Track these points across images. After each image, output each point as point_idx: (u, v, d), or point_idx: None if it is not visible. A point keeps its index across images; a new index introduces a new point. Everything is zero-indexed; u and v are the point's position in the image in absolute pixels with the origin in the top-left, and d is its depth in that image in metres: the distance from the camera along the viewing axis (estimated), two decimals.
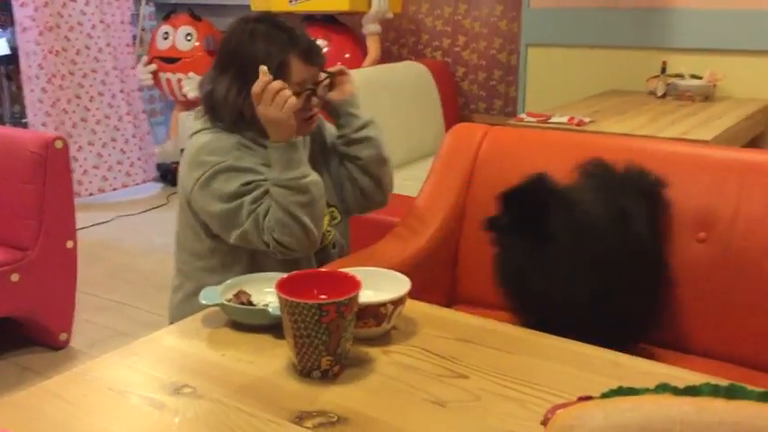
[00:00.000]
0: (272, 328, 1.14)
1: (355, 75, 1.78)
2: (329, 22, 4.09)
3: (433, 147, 2.42)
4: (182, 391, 0.99)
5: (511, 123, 2.72)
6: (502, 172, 1.73)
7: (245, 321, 1.18)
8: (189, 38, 4.53)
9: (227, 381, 1.01)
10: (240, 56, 1.58)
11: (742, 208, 1.53)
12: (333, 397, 0.97)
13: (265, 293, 1.22)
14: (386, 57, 4.11)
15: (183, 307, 1.66)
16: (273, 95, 1.49)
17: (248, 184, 1.54)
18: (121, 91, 4.47)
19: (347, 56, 3.94)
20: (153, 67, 4.61)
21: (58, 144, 2.46)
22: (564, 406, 0.77)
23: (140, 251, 3.66)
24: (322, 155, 1.76)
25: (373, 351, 1.10)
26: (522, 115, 2.81)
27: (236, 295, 1.20)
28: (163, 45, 4.59)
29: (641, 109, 2.89)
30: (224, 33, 1.66)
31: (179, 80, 4.54)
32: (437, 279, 1.81)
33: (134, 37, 4.69)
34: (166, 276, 1.97)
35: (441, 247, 1.81)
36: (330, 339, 0.99)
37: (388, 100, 3.34)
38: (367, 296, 1.09)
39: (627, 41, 3.44)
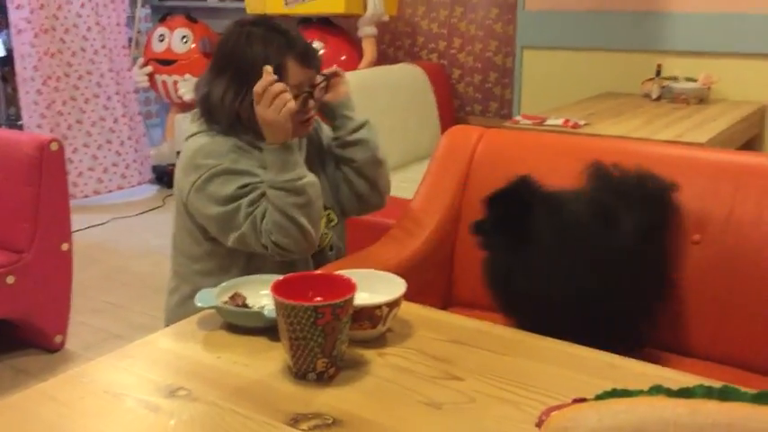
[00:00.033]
0: (268, 330, 1.14)
1: (351, 77, 1.78)
2: (325, 24, 4.10)
3: (429, 149, 2.42)
4: (177, 393, 0.99)
5: (506, 126, 2.72)
6: (497, 174, 1.71)
7: (241, 324, 1.18)
8: (185, 40, 4.53)
9: (223, 383, 1.01)
10: (237, 59, 1.58)
11: (736, 210, 1.53)
12: (328, 399, 0.97)
13: (261, 296, 1.22)
14: (382, 59, 4.12)
15: (179, 310, 1.66)
16: (273, 97, 1.50)
17: (245, 186, 1.54)
18: (117, 93, 4.46)
19: (343, 58, 3.94)
20: (149, 69, 4.60)
21: (54, 146, 2.45)
22: (558, 408, 0.77)
23: (136, 253, 3.66)
24: (318, 157, 1.76)
25: (368, 353, 1.10)
26: (518, 117, 2.81)
27: (232, 298, 1.20)
28: (159, 47, 4.58)
29: (636, 111, 2.90)
30: (220, 36, 1.66)
31: (175, 82, 4.53)
32: (433, 281, 1.81)
33: (130, 39, 4.68)
34: (162, 279, 1.96)
35: (436, 250, 1.81)
36: (325, 341, 0.99)
37: (384, 102, 3.34)
38: (362, 298, 1.09)
39: (622, 44, 3.45)
